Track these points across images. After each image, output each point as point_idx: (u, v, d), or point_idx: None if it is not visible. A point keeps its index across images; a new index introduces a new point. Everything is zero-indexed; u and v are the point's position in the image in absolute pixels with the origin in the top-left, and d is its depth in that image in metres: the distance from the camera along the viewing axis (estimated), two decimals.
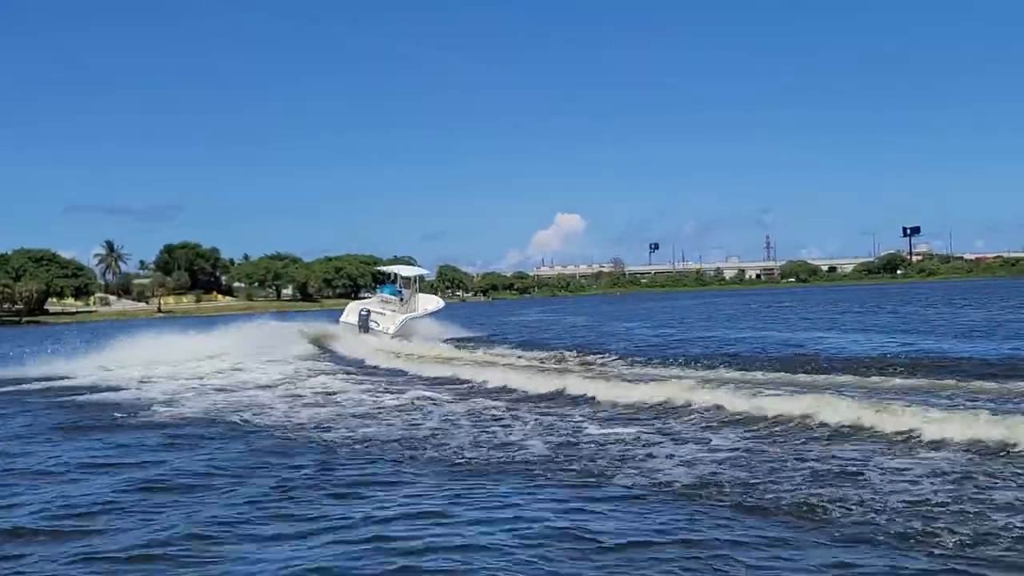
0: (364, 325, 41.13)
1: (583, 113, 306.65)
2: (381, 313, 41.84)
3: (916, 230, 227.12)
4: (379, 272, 50.91)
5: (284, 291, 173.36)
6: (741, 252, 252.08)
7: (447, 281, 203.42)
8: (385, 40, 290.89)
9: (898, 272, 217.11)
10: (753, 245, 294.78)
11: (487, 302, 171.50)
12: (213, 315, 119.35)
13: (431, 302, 47.33)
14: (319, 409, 18.17)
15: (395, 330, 40.24)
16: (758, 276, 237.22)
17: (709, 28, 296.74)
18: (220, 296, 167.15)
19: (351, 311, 42.59)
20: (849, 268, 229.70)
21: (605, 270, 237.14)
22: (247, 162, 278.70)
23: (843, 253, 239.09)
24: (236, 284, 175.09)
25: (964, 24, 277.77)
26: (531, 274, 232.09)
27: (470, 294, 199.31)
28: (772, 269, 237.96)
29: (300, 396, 20.74)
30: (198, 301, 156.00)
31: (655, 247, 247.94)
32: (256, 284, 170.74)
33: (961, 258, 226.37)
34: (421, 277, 49.79)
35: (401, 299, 44.26)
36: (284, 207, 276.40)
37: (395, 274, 47.37)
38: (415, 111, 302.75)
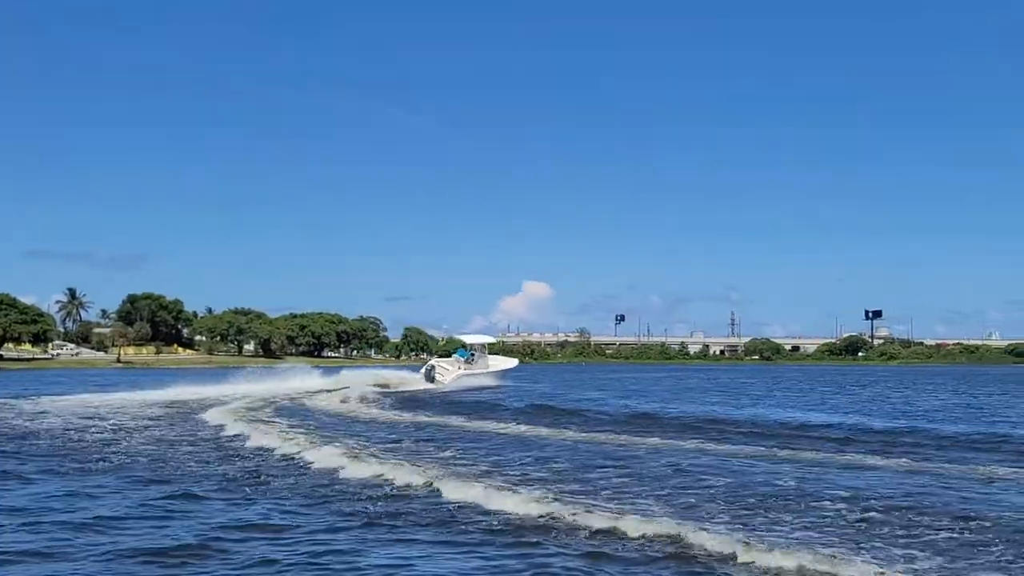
0: (429, 376, 54.10)
1: (555, 183, 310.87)
2: (446, 368, 55.34)
3: (878, 314, 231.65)
4: (458, 340, 68.48)
5: (246, 347, 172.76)
6: (706, 328, 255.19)
7: (412, 344, 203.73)
8: (358, 102, 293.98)
9: (859, 354, 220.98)
10: (718, 321, 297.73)
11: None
12: (172, 368, 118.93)
13: (504, 362, 63.73)
14: None
15: (449, 380, 53.17)
16: (722, 352, 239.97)
17: (681, 109, 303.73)
18: (181, 349, 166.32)
19: (426, 366, 56.75)
20: (812, 348, 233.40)
21: (571, 339, 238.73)
22: (214, 216, 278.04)
23: (806, 333, 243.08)
24: (198, 337, 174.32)
25: (922, 123, 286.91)
26: (497, 340, 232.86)
27: (434, 357, 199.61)
28: (736, 346, 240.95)
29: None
30: (158, 353, 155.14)
31: (621, 319, 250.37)
32: (218, 338, 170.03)
33: (922, 343, 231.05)
34: (486, 344, 63.10)
35: (467, 360, 57.78)
36: (250, 262, 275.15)
37: (465, 343, 61.79)
38: (385, 173, 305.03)
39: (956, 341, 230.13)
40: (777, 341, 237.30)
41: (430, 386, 51.73)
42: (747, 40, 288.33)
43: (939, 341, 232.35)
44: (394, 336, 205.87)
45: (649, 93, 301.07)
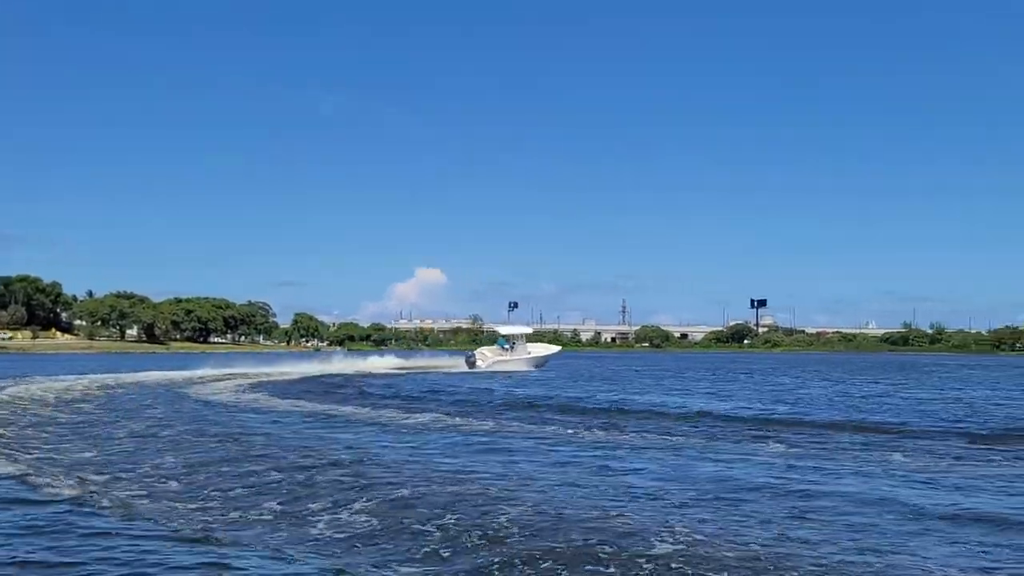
0: (471, 361, 64.35)
1: (449, 169, 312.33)
2: (485, 355, 65.53)
3: (763, 303, 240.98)
4: (496, 332, 75.55)
5: (129, 332, 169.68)
6: (598, 315, 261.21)
7: (302, 330, 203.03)
8: (246, 77, 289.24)
9: (745, 342, 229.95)
10: (610, 309, 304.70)
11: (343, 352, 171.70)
12: (50, 353, 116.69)
13: (544, 349, 72.82)
14: None
15: (485, 365, 63.47)
16: (613, 339, 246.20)
17: (569, 96, 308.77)
18: (59, 333, 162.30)
19: (468, 353, 67.50)
20: (700, 336, 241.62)
21: (464, 326, 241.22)
22: (94, 195, 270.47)
23: (695, 321, 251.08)
24: (77, 322, 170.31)
25: (807, 115, 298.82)
26: (389, 326, 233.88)
27: (325, 344, 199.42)
28: (627, 333, 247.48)
29: None
30: (34, 337, 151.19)
31: (514, 306, 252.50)
32: (99, 323, 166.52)
33: (803, 331, 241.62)
34: (523, 334, 70.14)
35: (505, 348, 66.84)
36: (132, 245, 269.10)
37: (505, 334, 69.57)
38: (274, 155, 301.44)
39: (835, 330, 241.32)
40: (667, 329, 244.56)
41: (470, 368, 63.24)
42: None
43: (819, 329, 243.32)
44: (284, 322, 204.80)
45: (541, 84, 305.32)
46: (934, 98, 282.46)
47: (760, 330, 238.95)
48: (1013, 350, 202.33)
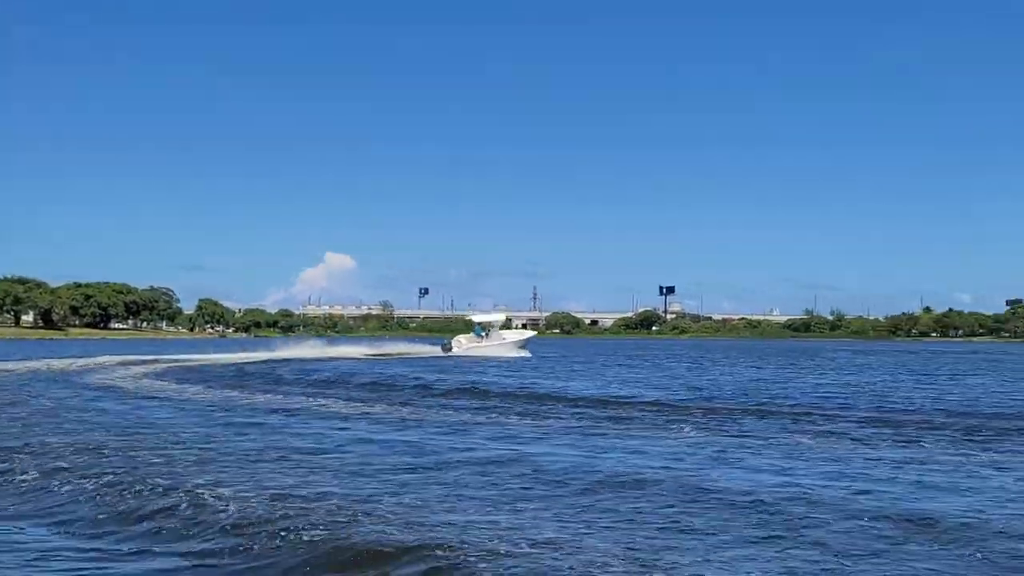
0: (446, 347, 67.70)
1: (358, 152, 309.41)
2: (460, 342, 69.12)
3: (671, 290, 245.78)
4: (471, 321, 79.56)
5: (24, 317, 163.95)
6: (509, 302, 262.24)
7: (207, 315, 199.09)
8: (146, 53, 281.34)
9: (654, 328, 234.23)
10: (521, 296, 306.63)
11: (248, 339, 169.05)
12: None
13: (517, 335, 76.16)
14: None
15: (459, 351, 66.60)
16: (524, 326, 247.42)
17: (482, 81, 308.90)
18: None
19: (444, 340, 71.07)
20: (610, 322, 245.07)
21: (374, 312, 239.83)
22: None
23: (605, 307, 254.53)
24: None
25: (707, 102, 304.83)
26: (297, 312, 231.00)
27: (231, 330, 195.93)
28: (538, 319, 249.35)
29: None
30: None
31: (425, 292, 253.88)
32: None
33: (710, 318, 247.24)
34: (498, 321, 74.02)
35: (479, 335, 69.73)
36: (27, 228, 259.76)
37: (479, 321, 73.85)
38: (174, 131, 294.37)
39: (741, 316, 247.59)
40: (577, 315, 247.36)
41: (440, 354, 66.13)
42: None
43: (726, 316, 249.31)
44: (188, 308, 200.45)
45: (449, 66, 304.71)
46: (834, 86, 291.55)
47: (668, 317, 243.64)
48: (909, 336, 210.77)
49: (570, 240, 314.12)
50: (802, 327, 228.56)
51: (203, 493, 11.13)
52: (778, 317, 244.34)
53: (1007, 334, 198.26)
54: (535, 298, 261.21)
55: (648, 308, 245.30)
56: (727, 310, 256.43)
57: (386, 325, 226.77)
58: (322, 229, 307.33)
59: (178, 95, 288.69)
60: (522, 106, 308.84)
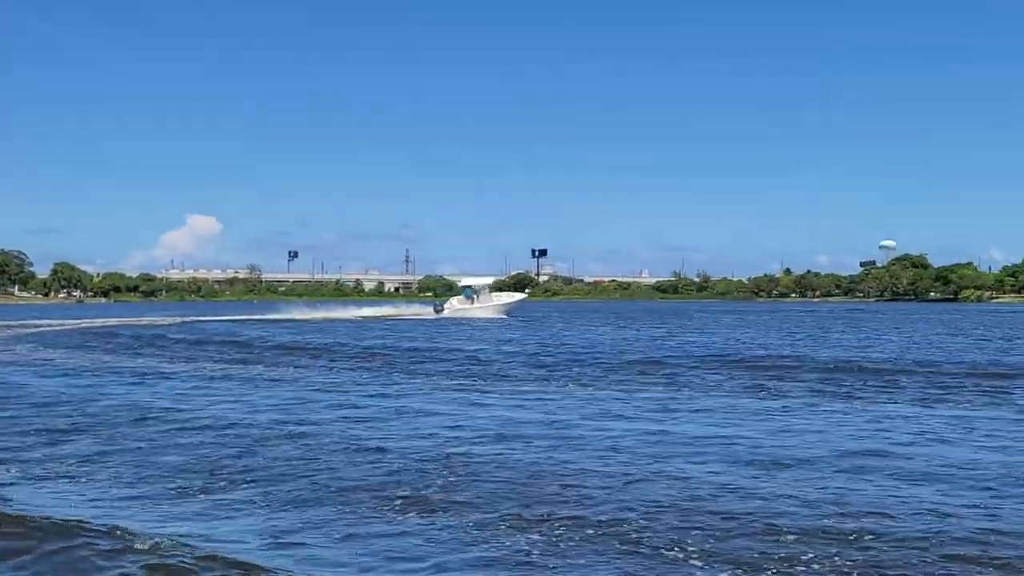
0: (438, 309, 74.13)
1: (224, 112, 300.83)
2: (451, 305, 74.24)
3: (543, 252, 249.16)
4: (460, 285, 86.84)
5: None
6: (381, 265, 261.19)
7: (63, 280, 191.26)
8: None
9: (526, 290, 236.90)
10: (393, 258, 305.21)
11: (107, 304, 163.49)
12: None
13: (507, 298, 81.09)
14: None
15: (447, 312, 71.98)
16: (397, 289, 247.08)
17: (364, 44, 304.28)
18: None
19: (436, 303, 78.51)
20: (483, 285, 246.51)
21: (241, 276, 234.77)
22: None
23: (478, 271, 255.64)
24: None
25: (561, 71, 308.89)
26: (160, 276, 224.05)
27: (89, 294, 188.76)
28: (411, 283, 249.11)
29: None
30: None
31: (294, 255, 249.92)
32: None
33: (582, 280, 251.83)
34: (487, 285, 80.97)
35: (470, 298, 74.92)
36: None
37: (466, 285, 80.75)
38: (23, 85, 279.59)
39: (612, 279, 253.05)
40: (450, 279, 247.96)
41: (429, 314, 72.96)
42: None
43: (597, 278, 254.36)
44: (42, 272, 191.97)
45: (325, 32, 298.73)
46: (699, 48, 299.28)
47: (541, 279, 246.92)
48: (770, 296, 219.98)
49: (443, 203, 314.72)
50: (671, 289, 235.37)
51: None
52: (647, 279, 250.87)
53: (860, 294, 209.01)
54: (408, 261, 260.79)
55: (521, 271, 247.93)
56: (598, 272, 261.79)
57: (254, 289, 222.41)
58: (184, 191, 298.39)
59: (20, 46, 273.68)
60: (394, 69, 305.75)
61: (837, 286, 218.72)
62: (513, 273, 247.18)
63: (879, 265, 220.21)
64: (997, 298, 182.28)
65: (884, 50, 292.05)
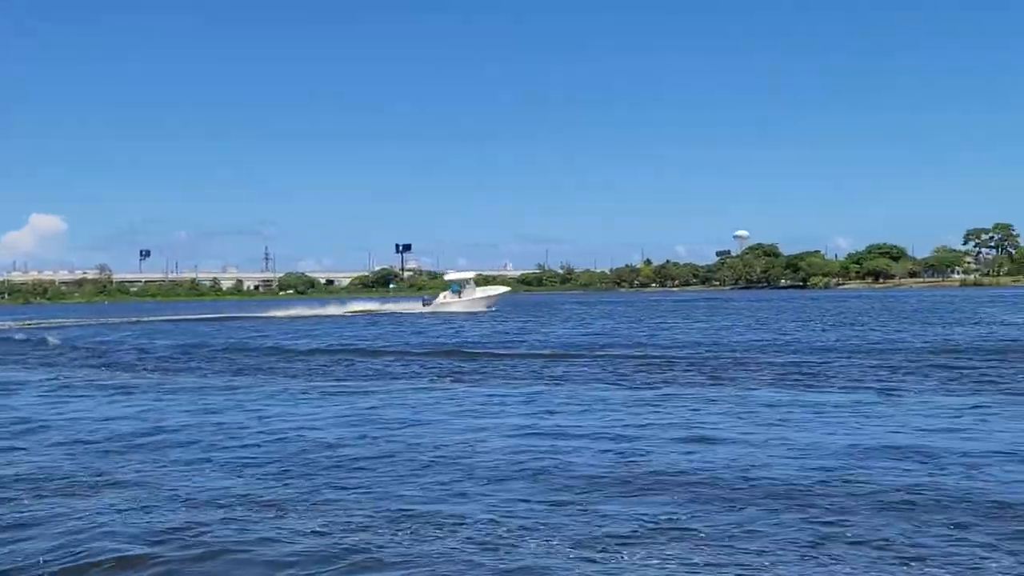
0: (428, 303, 77.53)
1: (70, 107, 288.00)
2: (437, 300, 77.29)
3: (408, 247, 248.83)
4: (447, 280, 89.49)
5: None
6: (239, 262, 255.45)
7: None
8: None
9: (391, 286, 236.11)
10: (252, 256, 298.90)
11: None
12: None
13: (491, 291, 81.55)
14: None
15: (431, 308, 75.26)
16: (257, 287, 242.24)
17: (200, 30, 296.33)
18: None
19: (424, 297, 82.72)
20: (346, 281, 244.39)
21: (90, 277, 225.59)
22: None
23: (340, 267, 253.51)
24: None
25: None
26: (1, 279, 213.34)
27: None
28: (271, 280, 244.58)
29: None
30: None
31: (146, 254, 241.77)
32: None
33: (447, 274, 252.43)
34: (470, 279, 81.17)
35: (455, 292, 77.31)
36: None
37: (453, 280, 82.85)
38: None
39: (477, 272, 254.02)
40: (312, 275, 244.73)
41: (423, 309, 75.98)
42: None
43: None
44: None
45: (164, 23, 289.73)
46: (561, 49, 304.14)
47: (405, 274, 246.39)
48: (632, 287, 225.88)
49: (303, 200, 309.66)
50: (535, 281, 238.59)
51: None
52: (512, 272, 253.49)
53: (716, 282, 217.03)
54: (267, 259, 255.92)
55: (385, 266, 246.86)
56: (463, 267, 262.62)
57: (104, 290, 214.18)
58: (26, 190, 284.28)
59: None
60: (252, 69, 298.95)
61: (695, 275, 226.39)
62: (377, 268, 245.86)
63: (734, 254, 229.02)
64: (843, 284, 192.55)
65: (736, 42, 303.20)
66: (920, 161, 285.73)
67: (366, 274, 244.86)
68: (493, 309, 75.25)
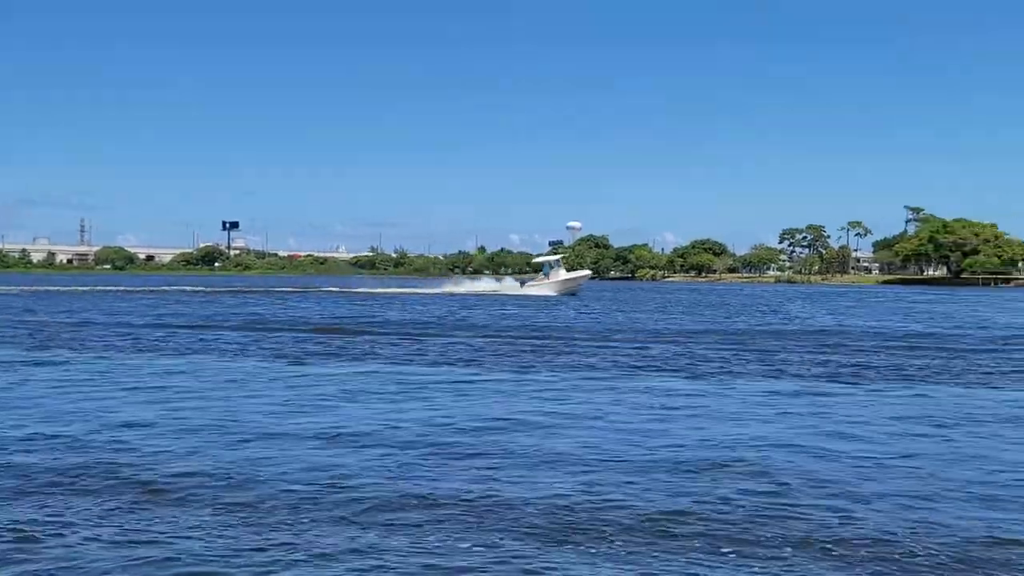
0: (523, 284, 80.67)
1: None
2: (531, 281, 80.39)
3: (235, 225, 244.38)
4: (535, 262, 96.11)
5: None
6: (53, 234, 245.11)
7: None
8: None
9: (216, 264, 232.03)
10: (66, 228, 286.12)
11: None
12: None
13: (577, 274, 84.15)
14: None
15: (522, 288, 78.31)
16: (71, 261, 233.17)
17: None
18: None
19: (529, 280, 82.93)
20: (168, 258, 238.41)
21: None
22: None
23: (163, 243, 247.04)
24: None
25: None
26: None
27: None
28: (87, 254, 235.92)
29: None
30: None
31: None
32: None
33: (276, 254, 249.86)
34: (554, 262, 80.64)
35: (544, 274, 78.76)
36: None
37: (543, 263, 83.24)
38: None
39: (307, 253, 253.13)
40: (132, 250, 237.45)
41: (520, 289, 79.12)
42: None
43: (292, 253, 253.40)
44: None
45: None
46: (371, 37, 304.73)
47: (232, 253, 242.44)
48: (464, 273, 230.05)
49: (125, 172, 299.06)
50: (368, 264, 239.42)
51: None
52: (344, 255, 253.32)
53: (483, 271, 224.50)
54: (83, 231, 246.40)
55: (210, 244, 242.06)
56: (293, 247, 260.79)
57: None
58: None
59: None
60: (68, 29, 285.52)
61: (528, 264, 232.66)
62: (202, 246, 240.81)
63: (566, 244, 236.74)
64: (668, 277, 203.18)
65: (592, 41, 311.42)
66: (742, 164, 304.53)
67: (190, 251, 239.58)
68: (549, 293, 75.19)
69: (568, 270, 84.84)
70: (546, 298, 69.64)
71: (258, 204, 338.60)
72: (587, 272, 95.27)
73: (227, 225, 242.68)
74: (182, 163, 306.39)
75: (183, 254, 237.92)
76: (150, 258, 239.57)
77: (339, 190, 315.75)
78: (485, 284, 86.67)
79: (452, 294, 76.45)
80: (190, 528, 8.24)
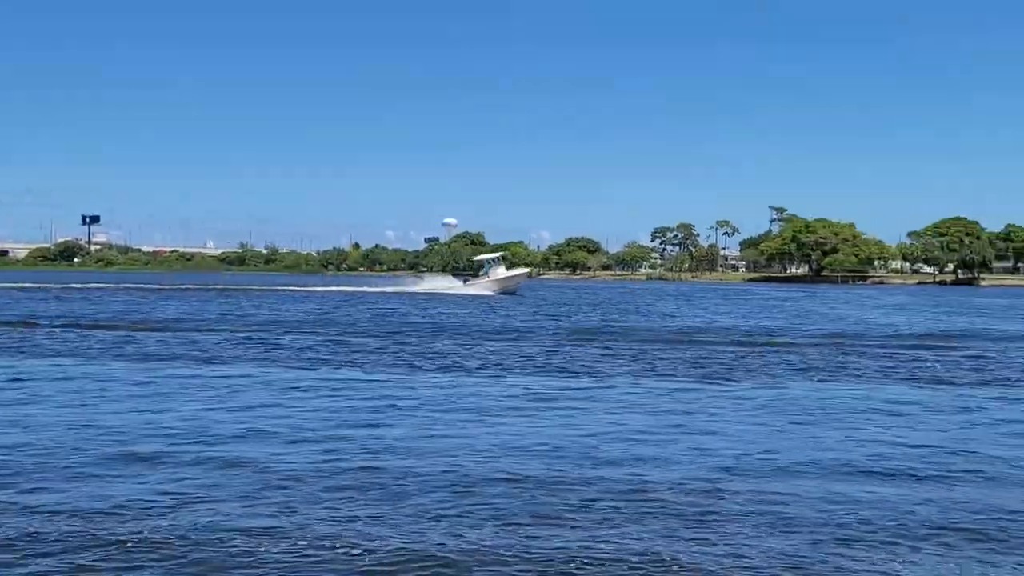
0: (465, 282, 78.94)
1: None
2: (468, 279, 79.82)
3: (96, 219, 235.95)
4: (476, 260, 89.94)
5: None
6: None
7: None
8: None
9: (76, 260, 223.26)
10: None
11: None
12: None
13: (515, 272, 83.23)
14: None
15: (464, 287, 76.70)
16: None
17: None
18: None
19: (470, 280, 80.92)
20: (24, 253, 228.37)
21: None
22: None
23: (16, 237, 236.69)
24: None
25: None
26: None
27: None
28: None
29: None
30: None
31: None
32: None
33: (140, 250, 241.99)
34: (494, 260, 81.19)
35: (480, 274, 79.11)
36: None
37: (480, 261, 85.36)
38: None
39: (173, 249, 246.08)
40: None
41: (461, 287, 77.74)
42: None
43: (157, 248, 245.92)
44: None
45: None
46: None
47: (93, 248, 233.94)
48: (339, 270, 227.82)
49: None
50: (237, 260, 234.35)
51: None
52: (213, 250, 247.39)
53: (424, 268, 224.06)
54: None
55: (69, 238, 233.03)
56: (159, 242, 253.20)
57: None
58: None
59: None
60: None
61: (403, 261, 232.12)
62: (60, 241, 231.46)
63: (442, 241, 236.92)
64: (544, 274, 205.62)
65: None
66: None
67: (47, 246, 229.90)
68: (486, 293, 72.57)
69: (507, 268, 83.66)
70: (485, 298, 67.73)
71: (122, 198, 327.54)
72: (525, 270, 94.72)
73: (87, 219, 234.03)
74: (39, 152, 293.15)
75: (40, 249, 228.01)
76: (4, 253, 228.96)
77: (209, 185, 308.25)
78: (442, 282, 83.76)
79: (402, 293, 74.70)
80: None
